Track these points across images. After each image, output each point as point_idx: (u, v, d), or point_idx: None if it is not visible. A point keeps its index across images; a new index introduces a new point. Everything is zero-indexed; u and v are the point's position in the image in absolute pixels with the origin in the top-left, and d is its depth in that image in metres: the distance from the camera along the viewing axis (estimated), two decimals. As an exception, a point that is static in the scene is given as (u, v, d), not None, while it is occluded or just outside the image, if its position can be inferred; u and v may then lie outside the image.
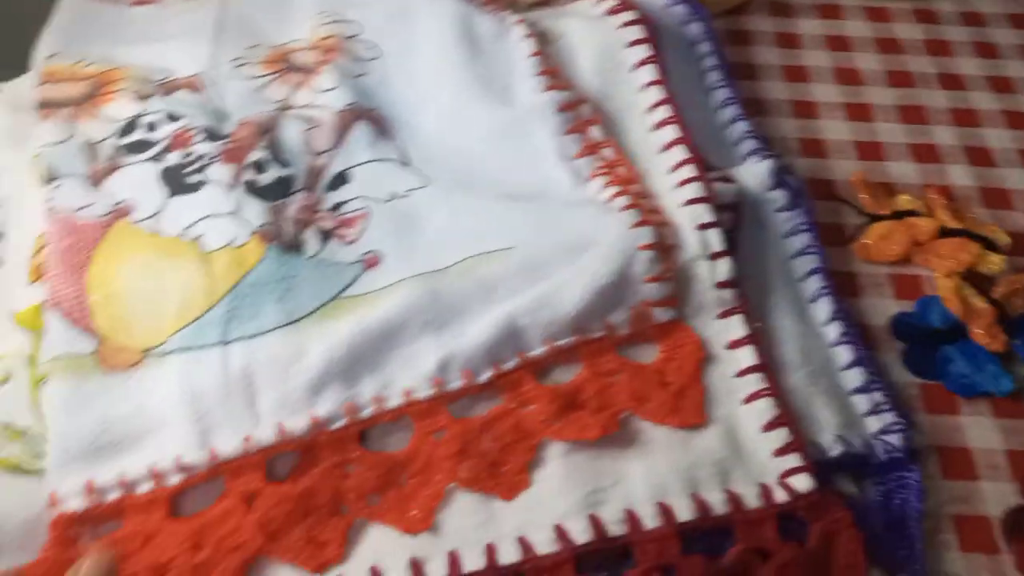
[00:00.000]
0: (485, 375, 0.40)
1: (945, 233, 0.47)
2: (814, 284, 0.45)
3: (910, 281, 0.47)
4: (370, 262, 0.43)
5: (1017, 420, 0.42)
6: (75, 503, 0.36)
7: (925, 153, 0.53)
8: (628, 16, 0.50)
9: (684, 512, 0.37)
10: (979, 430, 0.42)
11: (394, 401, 0.39)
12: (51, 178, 0.44)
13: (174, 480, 0.36)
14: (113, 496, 0.36)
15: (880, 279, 0.47)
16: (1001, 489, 0.40)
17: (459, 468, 0.38)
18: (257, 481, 0.36)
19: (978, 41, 0.59)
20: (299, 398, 0.38)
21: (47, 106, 0.47)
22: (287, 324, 0.40)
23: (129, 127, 0.47)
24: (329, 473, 0.37)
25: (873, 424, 0.41)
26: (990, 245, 0.47)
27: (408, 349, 0.40)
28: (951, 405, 0.43)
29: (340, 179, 0.46)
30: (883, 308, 0.46)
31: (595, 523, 0.36)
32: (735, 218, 0.45)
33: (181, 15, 0.56)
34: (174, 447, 0.37)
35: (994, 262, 0.46)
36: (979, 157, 0.52)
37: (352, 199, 0.46)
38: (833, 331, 0.43)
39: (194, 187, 0.45)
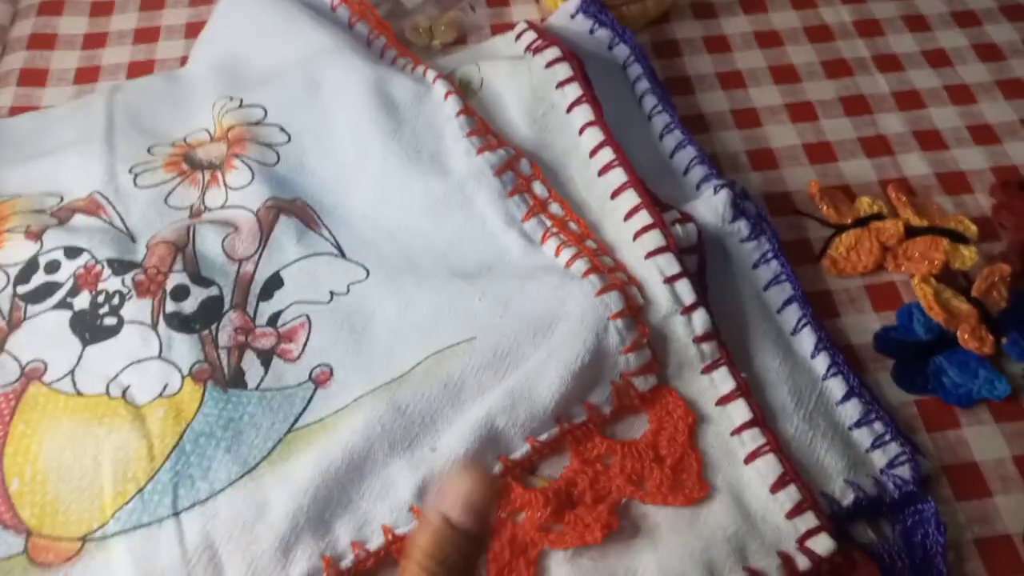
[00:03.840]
0: (468, 488, 0.37)
1: (912, 232, 0.46)
2: (793, 314, 0.43)
3: (887, 289, 0.45)
4: (320, 379, 0.39)
5: (1018, 422, 0.41)
6: None
7: (876, 146, 0.51)
8: (552, 54, 0.47)
9: (708, 604, 0.34)
10: (983, 440, 0.40)
11: (375, 543, 0.35)
12: (-55, 349, 0.39)
13: None
14: None
15: (855, 293, 0.45)
16: (1016, 501, 0.39)
17: (459, 600, 0.35)
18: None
19: (907, 15, 0.57)
20: (270, 561, 0.34)
21: (-74, 264, 0.41)
22: (243, 476, 0.36)
23: (26, 272, 0.42)
24: (319, 636, 0.34)
25: (879, 458, 0.39)
26: (959, 237, 0.45)
27: (379, 478, 0.36)
28: (951, 418, 0.41)
29: (272, 284, 0.42)
30: (864, 323, 0.44)
31: (616, 634, 0.34)
32: (700, 259, 0.43)
33: (64, 121, 0.51)
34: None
35: (967, 256, 0.45)
36: (930, 140, 0.51)
37: (289, 306, 0.42)
38: (821, 363, 0.41)
39: (111, 331, 0.40)
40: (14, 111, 0.53)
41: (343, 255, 0.44)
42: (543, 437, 0.38)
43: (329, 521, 0.35)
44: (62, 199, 0.45)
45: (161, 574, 0.34)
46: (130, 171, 0.46)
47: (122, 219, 0.44)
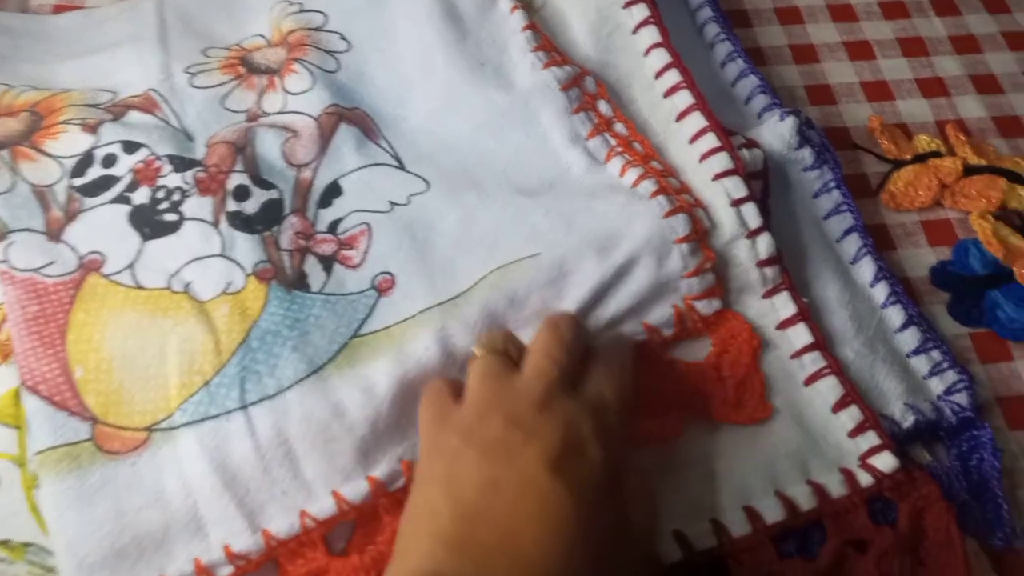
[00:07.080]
0: (534, 395, 0.37)
1: (970, 171, 0.46)
2: (853, 244, 0.43)
3: (942, 225, 0.45)
4: (383, 286, 0.39)
5: (1073, 359, 0.41)
6: (114, 615, 0.32)
7: (932, 87, 0.50)
8: (619, -27, 0.46)
9: (773, 513, 0.35)
10: (1036, 374, 0.41)
11: (446, 446, 0.35)
12: (1, 235, 0.38)
13: (226, 572, 0.33)
14: (158, 602, 0.32)
15: (912, 228, 0.45)
16: (1068, 433, 0.39)
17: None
18: (320, 558, 0.33)
19: (965, -41, 0.56)
20: (350, 461, 0.34)
21: (-19, 151, 0.40)
22: (309, 375, 0.36)
23: (82, 164, 0.41)
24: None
25: (936, 385, 0.39)
26: (1016, 178, 0.46)
27: None
28: (1004, 351, 0.42)
29: (331, 192, 0.42)
30: (920, 257, 0.44)
31: (681, 540, 0.34)
32: (764, 185, 0.42)
33: (114, 19, 0.49)
34: (219, 535, 0.33)
35: (1024, 196, 0.45)
36: (986, 85, 0.51)
37: (348, 214, 0.41)
38: (880, 292, 0.41)
39: (171, 227, 0.39)
40: (58, 9, 0.51)
41: (402, 167, 0.43)
42: (605, 351, 0.38)
43: (405, 426, 0.35)
44: (115, 95, 0.44)
45: (237, 465, 0.34)
46: (185, 71, 0.45)
47: (178, 118, 0.43)
